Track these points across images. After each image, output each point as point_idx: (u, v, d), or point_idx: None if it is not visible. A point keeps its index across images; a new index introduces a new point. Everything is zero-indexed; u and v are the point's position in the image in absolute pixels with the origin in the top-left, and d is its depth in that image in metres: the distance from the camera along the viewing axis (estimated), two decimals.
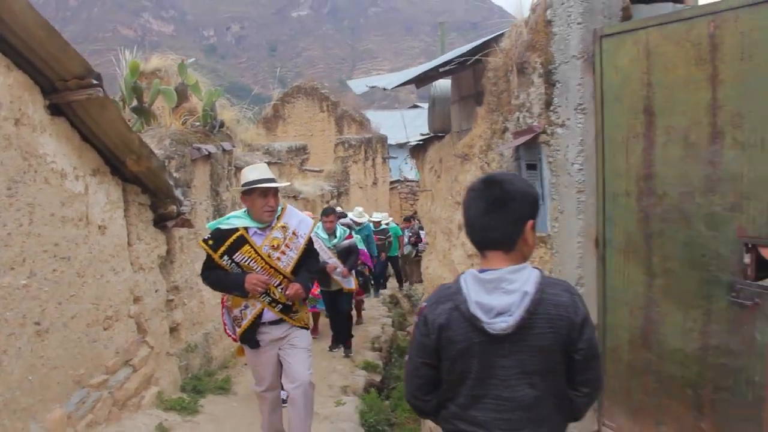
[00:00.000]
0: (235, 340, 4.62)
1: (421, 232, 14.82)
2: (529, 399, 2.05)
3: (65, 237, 4.08)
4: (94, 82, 3.92)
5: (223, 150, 8.20)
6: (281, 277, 4.30)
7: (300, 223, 4.46)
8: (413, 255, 15.71)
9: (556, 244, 3.83)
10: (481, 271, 2.08)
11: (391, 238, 14.81)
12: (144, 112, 7.36)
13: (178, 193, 6.02)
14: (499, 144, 4.19)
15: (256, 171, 4.28)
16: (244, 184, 4.23)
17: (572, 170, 3.68)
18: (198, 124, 7.98)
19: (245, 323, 4.35)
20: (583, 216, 3.73)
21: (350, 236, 8.70)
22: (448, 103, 5.85)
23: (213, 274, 4.33)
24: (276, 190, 4.30)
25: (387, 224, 14.95)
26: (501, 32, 4.26)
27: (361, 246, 9.71)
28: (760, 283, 3.00)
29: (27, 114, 3.70)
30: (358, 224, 11.74)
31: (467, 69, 4.86)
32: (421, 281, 12.37)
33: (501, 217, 2.07)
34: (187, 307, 6.66)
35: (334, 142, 18.00)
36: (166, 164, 6.32)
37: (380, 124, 22.16)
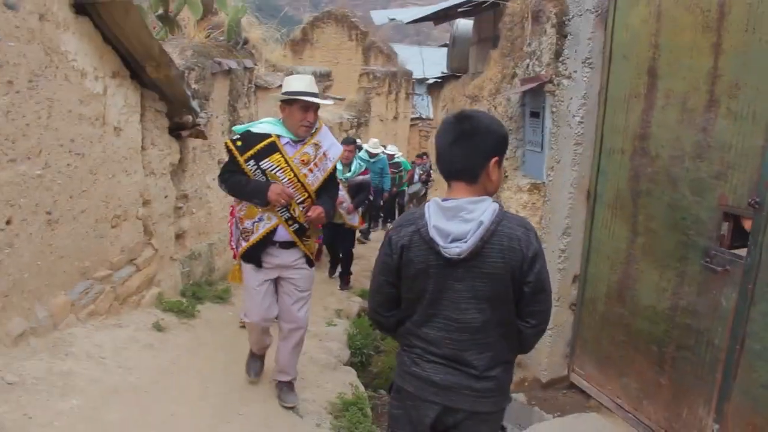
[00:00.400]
0: (235, 255, 4.40)
1: (432, 170, 14.86)
2: (477, 323, 2.22)
3: (81, 134, 4.24)
4: None
5: (245, 67, 8.25)
6: (306, 195, 4.05)
7: (332, 145, 4.22)
8: (422, 193, 15.70)
9: (549, 193, 3.96)
10: (444, 200, 2.22)
11: (403, 172, 14.67)
12: (169, 21, 7.41)
13: (194, 104, 6.14)
14: (507, 88, 4.27)
15: (301, 81, 4.00)
16: (287, 93, 3.94)
17: (573, 122, 3.78)
18: (222, 38, 8.02)
19: (255, 237, 4.07)
20: (578, 168, 3.84)
21: (366, 171, 8.49)
22: (468, 44, 5.88)
23: (234, 178, 4.02)
24: (318, 106, 4.03)
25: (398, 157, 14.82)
26: None
27: (375, 181, 9.53)
28: (733, 251, 3.13)
29: (51, 10, 3.81)
30: (373, 155, 11.55)
31: (488, 11, 4.90)
32: None
33: (466, 149, 2.20)
34: (194, 216, 6.84)
35: (359, 72, 17.95)
36: (186, 75, 6.42)
37: (408, 60, 21.99)
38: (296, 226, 4.09)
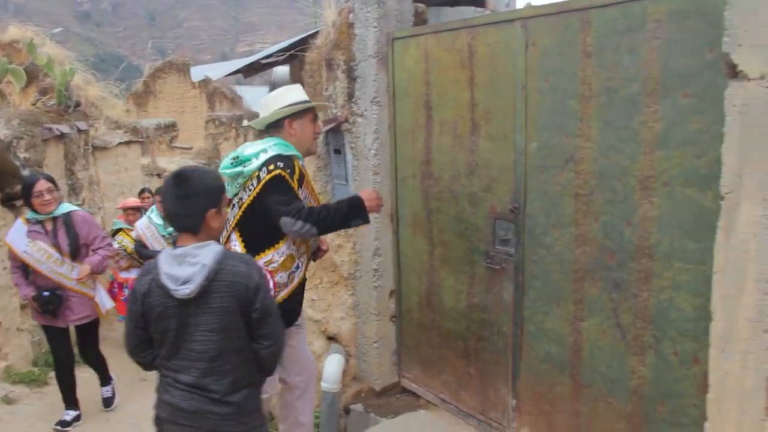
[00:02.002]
0: None
1: None
2: (213, 352, 2.55)
3: None
4: None
5: (79, 130, 8.29)
6: None
7: None
8: None
9: None
10: (174, 248, 2.58)
11: None
12: None
13: (26, 173, 6.20)
14: None
15: (295, 92, 3.55)
16: (296, 104, 3.45)
17: (369, 155, 4.25)
18: (53, 103, 8.04)
19: (290, 288, 3.44)
20: None
21: None
22: None
23: (315, 212, 3.25)
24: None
25: None
26: (317, 30, 4.76)
27: None
28: (506, 249, 3.67)
29: None
30: None
31: (297, 59, 5.34)
32: None
33: (185, 208, 2.55)
34: None
35: (205, 119, 18.06)
36: (15, 144, 6.47)
37: (255, 101, 22.24)
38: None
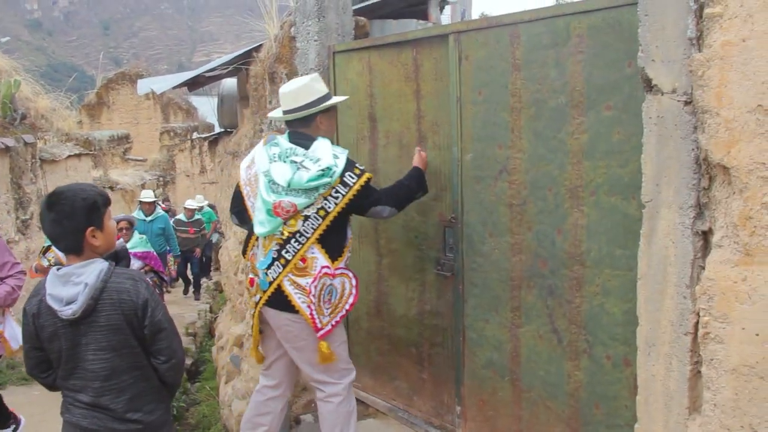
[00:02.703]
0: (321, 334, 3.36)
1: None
2: (106, 371, 2.53)
3: None
4: None
5: (25, 143, 8.19)
6: None
7: None
8: (220, 243, 15.17)
9: None
10: (59, 268, 2.55)
11: (205, 230, 13.28)
12: None
13: None
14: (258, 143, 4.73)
15: (320, 82, 3.52)
16: (322, 99, 3.42)
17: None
18: None
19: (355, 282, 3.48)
20: None
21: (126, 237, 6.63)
22: (235, 101, 6.33)
23: (392, 192, 3.47)
24: None
25: (201, 208, 13.42)
26: (261, 43, 4.79)
27: (146, 247, 6.97)
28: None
29: None
30: (149, 213, 10.16)
31: (242, 72, 5.36)
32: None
33: (63, 230, 2.50)
34: None
35: (159, 131, 17.95)
36: None
37: (210, 112, 22.16)
38: None
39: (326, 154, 3.25)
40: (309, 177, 3.16)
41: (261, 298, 3.39)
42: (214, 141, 8.70)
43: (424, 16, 5.09)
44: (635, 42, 2.37)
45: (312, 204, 3.23)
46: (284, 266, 3.26)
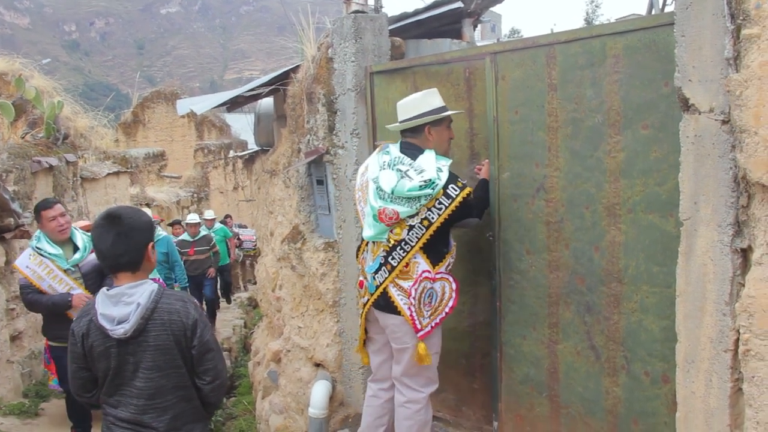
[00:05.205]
0: (422, 335, 3.42)
1: (240, 231, 14.22)
2: (151, 389, 2.58)
3: None
4: None
5: (67, 162, 8.39)
6: None
7: None
8: (240, 258, 14.99)
9: (341, 248, 4.50)
10: (109, 288, 2.61)
11: (217, 247, 11.58)
12: None
13: (16, 206, 6.28)
14: (296, 162, 4.82)
15: (435, 96, 3.53)
16: (434, 110, 3.47)
17: (350, 185, 4.35)
18: (41, 136, 8.15)
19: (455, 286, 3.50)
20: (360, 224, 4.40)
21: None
22: (271, 120, 6.44)
23: (478, 203, 3.58)
24: None
25: (212, 222, 12.34)
26: (298, 64, 4.89)
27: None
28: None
29: None
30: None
31: (279, 92, 5.46)
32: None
33: (127, 246, 2.56)
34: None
35: (194, 148, 18.24)
36: (4, 178, 6.56)
37: (243, 129, 22.47)
38: None
39: (430, 166, 3.34)
40: (410, 187, 3.27)
41: (368, 300, 3.54)
42: (249, 159, 8.79)
43: (458, 35, 5.15)
44: (671, 62, 2.41)
45: (416, 214, 3.33)
46: (390, 272, 3.40)
